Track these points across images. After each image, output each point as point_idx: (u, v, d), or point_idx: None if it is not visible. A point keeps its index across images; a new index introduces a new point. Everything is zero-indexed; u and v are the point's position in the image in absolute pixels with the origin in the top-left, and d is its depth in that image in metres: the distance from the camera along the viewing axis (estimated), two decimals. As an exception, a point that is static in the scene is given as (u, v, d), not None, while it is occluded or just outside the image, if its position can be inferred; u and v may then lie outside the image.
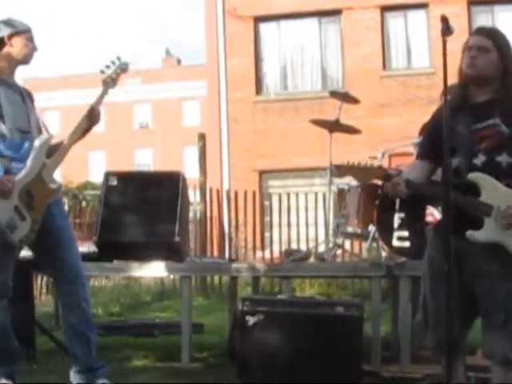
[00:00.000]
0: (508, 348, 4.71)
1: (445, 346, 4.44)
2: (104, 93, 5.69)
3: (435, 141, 4.59)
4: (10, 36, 5.49)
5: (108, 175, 8.03)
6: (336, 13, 23.44)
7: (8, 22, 5.53)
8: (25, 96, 5.63)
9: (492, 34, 4.86)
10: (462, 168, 4.64)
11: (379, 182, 5.62)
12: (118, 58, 5.83)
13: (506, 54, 4.75)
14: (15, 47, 5.53)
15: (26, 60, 5.60)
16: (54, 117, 54.38)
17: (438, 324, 4.60)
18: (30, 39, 5.58)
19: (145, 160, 62.31)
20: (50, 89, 57.18)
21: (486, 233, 4.62)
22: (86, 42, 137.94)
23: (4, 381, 5.47)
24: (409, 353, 6.97)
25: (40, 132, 5.70)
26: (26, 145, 5.44)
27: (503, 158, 4.60)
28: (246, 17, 23.63)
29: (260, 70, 24.00)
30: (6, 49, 5.52)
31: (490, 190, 4.63)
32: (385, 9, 23.13)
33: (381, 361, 7.06)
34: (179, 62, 69.48)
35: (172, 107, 63.41)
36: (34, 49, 5.62)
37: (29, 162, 5.37)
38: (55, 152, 5.54)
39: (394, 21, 23.29)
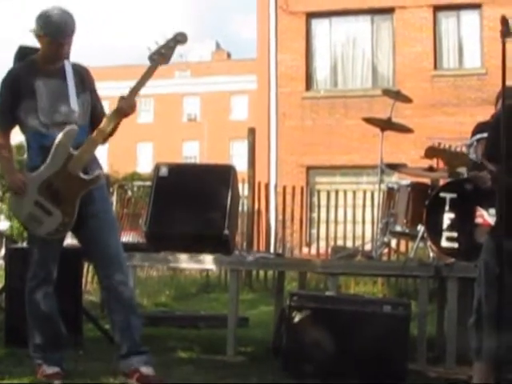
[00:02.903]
0: None
1: (495, 352, 4.45)
2: (147, 73, 5.58)
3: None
4: (37, 35, 5.51)
5: (159, 166, 8.03)
6: (389, 11, 23.38)
7: (39, 19, 5.46)
8: (69, 78, 5.56)
9: None
10: None
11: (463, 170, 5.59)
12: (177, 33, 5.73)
13: None
14: (42, 46, 5.57)
15: (50, 60, 5.57)
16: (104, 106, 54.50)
17: (492, 330, 4.59)
18: (53, 43, 5.46)
19: (192, 152, 62.50)
20: (101, 79, 57.42)
21: None
22: (135, 34, 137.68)
23: (52, 368, 5.53)
24: (454, 354, 6.93)
25: (97, 112, 5.73)
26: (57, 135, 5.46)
27: None
28: (298, 12, 23.63)
29: (310, 65, 23.98)
30: (40, 42, 5.57)
31: None
32: (438, 8, 23.02)
33: (426, 361, 7.03)
34: (229, 55, 69.49)
35: (220, 101, 63.48)
36: (57, 53, 5.53)
37: (49, 158, 5.41)
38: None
39: (447, 20, 23.17)
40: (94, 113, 5.70)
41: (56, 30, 5.41)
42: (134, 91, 5.53)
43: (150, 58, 5.63)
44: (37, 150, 5.53)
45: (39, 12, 5.49)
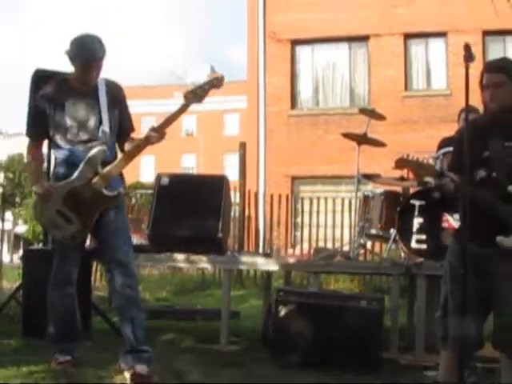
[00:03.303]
0: (508, 346, 4.72)
1: (459, 341, 4.47)
2: (181, 109, 5.48)
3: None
4: (70, 58, 5.43)
5: (160, 176, 8.10)
6: (364, 39, 23.41)
7: (73, 44, 5.39)
8: (101, 97, 5.47)
9: (502, 67, 4.85)
10: (501, 179, 4.67)
11: (430, 179, 5.61)
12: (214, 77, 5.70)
13: None
14: (74, 68, 5.47)
15: (81, 81, 5.48)
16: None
17: (456, 323, 4.62)
18: (83, 66, 5.38)
19: (189, 164, 62.65)
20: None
21: None
22: (141, 58, 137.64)
23: (64, 357, 5.52)
24: (423, 343, 6.96)
25: (126, 128, 5.68)
26: (83, 152, 5.40)
27: None
28: (284, 40, 23.66)
29: (295, 87, 24.00)
30: (73, 65, 5.48)
31: None
32: (408, 36, 23.07)
33: (398, 349, 7.07)
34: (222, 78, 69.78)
35: (214, 118, 63.63)
36: (87, 75, 5.43)
37: (76, 172, 5.37)
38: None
39: (416, 47, 23.23)
40: (121, 128, 5.63)
41: (86, 55, 5.35)
42: (166, 123, 5.47)
43: (185, 96, 5.57)
44: (62, 164, 5.48)
45: (74, 37, 5.42)
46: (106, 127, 5.46)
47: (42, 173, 5.59)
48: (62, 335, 5.59)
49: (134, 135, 5.74)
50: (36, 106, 5.59)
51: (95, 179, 5.38)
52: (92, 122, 5.46)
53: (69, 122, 5.42)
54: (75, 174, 5.38)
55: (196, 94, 5.56)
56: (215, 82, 5.63)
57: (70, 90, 5.48)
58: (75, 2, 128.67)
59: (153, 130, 5.44)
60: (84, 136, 5.44)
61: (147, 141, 5.46)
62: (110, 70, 6.18)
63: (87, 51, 5.36)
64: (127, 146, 5.60)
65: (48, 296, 5.65)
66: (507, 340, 4.79)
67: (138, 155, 5.64)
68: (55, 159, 5.58)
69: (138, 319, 5.44)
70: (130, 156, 5.55)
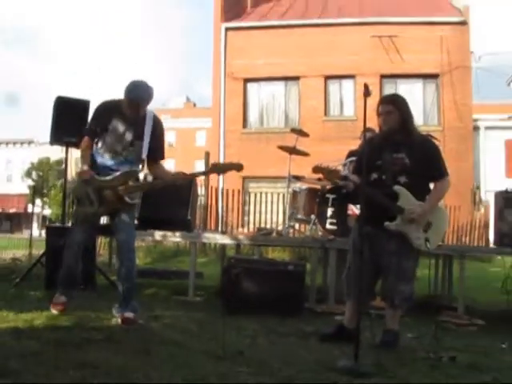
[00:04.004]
0: (394, 295, 4.87)
1: (359, 295, 4.56)
2: (206, 173, 5.53)
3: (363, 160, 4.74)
4: (124, 96, 5.27)
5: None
6: (296, 78, 23.56)
7: (127, 86, 5.22)
8: (146, 127, 5.34)
9: (393, 100, 5.06)
10: (388, 181, 4.84)
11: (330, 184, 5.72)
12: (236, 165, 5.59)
13: (405, 113, 4.90)
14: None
15: (129, 112, 5.31)
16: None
17: (356, 282, 4.71)
18: (131, 105, 5.22)
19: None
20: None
21: (396, 225, 4.75)
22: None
23: (61, 298, 5.42)
24: (333, 297, 7.02)
25: (156, 155, 5.51)
26: (113, 162, 5.34)
27: (403, 179, 4.81)
28: (239, 78, 23.69)
29: (246, 112, 24.05)
30: None
31: (404, 198, 4.76)
32: (327, 77, 23.32)
33: (315, 301, 7.12)
34: (195, 105, 69.33)
35: (189, 134, 63.31)
36: (134, 111, 5.25)
37: (113, 175, 5.30)
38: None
39: (333, 85, 23.46)
40: (154, 155, 5.49)
41: (135, 97, 5.21)
42: (191, 176, 5.80)
43: (212, 164, 5.60)
44: (97, 165, 5.37)
45: (130, 80, 5.27)
46: (143, 154, 5.37)
47: (89, 161, 5.40)
48: (65, 281, 5.49)
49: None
50: (95, 114, 5.45)
51: (122, 187, 5.30)
52: (125, 142, 5.34)
53: (109, 138, 5.32)
54: (110, 177, 5.30)
55: (219, 168, 5.58)
56: (235, 167, 5.56)
57: (119, 113, 5.32)
58: (76, 31, 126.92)
59: (181, 175, 5.53)
60: (114, 150, 5.34)
61: (172, 181, 5.56)
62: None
63: (136, 95, 5.22)
64: (155, 170, 5.59)
65: (63, 253, 5.56)
66: (388, 294, 4.92)
67: (160, 187, 5.73)
68: (92, 157, 5.40)
69: (130, 288, 5.39)
70: (153, 186, 5.72)
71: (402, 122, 4.87)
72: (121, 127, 5.32)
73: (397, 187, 4.82)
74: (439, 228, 5.10)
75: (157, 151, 5.50)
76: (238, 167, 5.55)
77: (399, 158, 4.82)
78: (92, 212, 5.37)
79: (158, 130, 5.48)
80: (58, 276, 5.59)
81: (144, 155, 5.39)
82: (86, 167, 5.32)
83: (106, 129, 5.32)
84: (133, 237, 5.57)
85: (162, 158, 5.61)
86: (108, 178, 5.31)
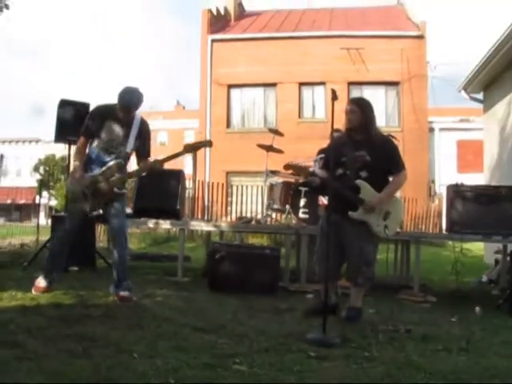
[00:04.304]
0: (357, 276, 4.91)
1: (326, 275, 4.58)
2: (180, 154, 5.38)
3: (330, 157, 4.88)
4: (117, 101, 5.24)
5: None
6: (274, 85, 23.53)
7: (120, 92, 5.19)
8: (134, 128, 5.30)
9: (357, 102, 5.12)
10: (352, 176, 4.88)
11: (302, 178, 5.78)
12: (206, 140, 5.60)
13: (366, 114, 4.91)
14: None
15: (121, 115, 5.27)
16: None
17: (323, 264, 4.75)
18: (122, 110, 5.19)
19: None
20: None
21: (358, 214, 4.78)
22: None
23: (43, 282, 5.36)
24: (305, 277, 7.03)
25: (143, 153, 5.44)
26: (108, 159, 5.32)
27: (364, 173, 4.85)
28: (223, 84, 23.62)
29: (230, 114, 23.98)
30: None
31: (365, 191, 4.80)
32: (301, 84, 23.29)
33: (289, 281, 7.13)
34: (184, 107, 69.05)
35: (179, 133, 63.01)
36: (125, 115, 5.23)
37: (98, 171, 5.29)
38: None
39: (307, 91, 23.43)
40: (140, 153, 5.43)
41: (125, 103, 5.18)
42: (166, 160, 5.41)
43: (184, 145, 5.46)
44: (92, 160, 5.34)
45: (124, 87, 5.22)
46: (128, 149, 5.34)
47: (82, 162, 5.38)
48: (48, 267, 5.43)
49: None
50: (91, 117, 5.39)
51: (112, 179, 5.29)
52: (118, 141, 5.31)
53: (103, 136, 5.28)
54: (99, 172, 5.29)
55: (192, 147, 5.48)
56: (207, 144, 5.54)
57: (112, 115, 5.28)
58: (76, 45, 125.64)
59: (156, 162, 5.38)
60: (111, 150, 5.32)
61: (150, 169, 5.40)
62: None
63: (127, 101, 5.19)
64: (140, 165, 5.47)
65: (53, 240, 5.56)
66: (352, 274, 4.94)
67: (140, 175, 5.63)
68: (88, 155, 5.36)
69: (123, 271, 5.35)
70: (136, 175, 5.56)
71: (364, 122, 4.90)
72: (114, 128, 5.30)
73: (358, 181, 4.86)
74: (396, 216, 5.14)
75: (143, 149, 5.47)
76: (209, 144, 5.55)
77: (360, 156, 4.85)
78: (89, 206, 5.32)
79: (144, 131, 5.44)
80: (46, 261, 5.57)
81: (129, 150, 5.36)
82: (78, 164, 5.31)
83: (100, 129, 5.29)
84: (124, 223, 5.52)
85: (149, 155, 5.55)
86: (97, 172, 5.30)
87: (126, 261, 5.44)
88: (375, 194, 4.88)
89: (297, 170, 5.30)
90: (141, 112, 5.49)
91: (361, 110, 4.94)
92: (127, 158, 5.46)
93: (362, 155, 4.86)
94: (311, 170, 5.23)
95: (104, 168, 5.30)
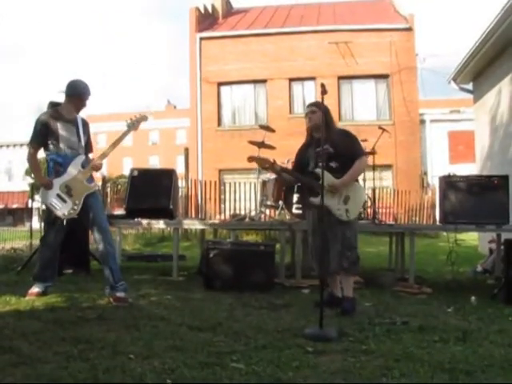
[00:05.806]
0: (342, 260, 5.08)
1: (321, 268, 4.60)
2: (126, 133, 5.50)
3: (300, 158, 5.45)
4: (67, 95, 5.45)
5: (132, 170, 8.05)
6: (264, 81, 23.49)
7: (71, 85, 5.42)
8: (79, 125, 5.48)
9: (316, 104, 5.50)
10: (317, 169, 5.16)
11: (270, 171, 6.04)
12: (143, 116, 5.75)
13: (326, 112, 5.12)
14: (68, 103, 5.47)
15: (69, 112, 5.45)
16: (103, 138, 53.23)
17: (316, 256, 4.78)
18: (79, 101, 5.43)
19: (154, 162, 61.74)
20: (100, 121, 56.30)
21: (319, 199, 4.89)
22: (125, 94, 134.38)
23: (36, 288, 5.39)
24: (300, 272, 7.04)
25: (89, 148, 5.66)
26: (73, 157, 5.39)
27: (333, 164, 5.16)
28: (213, 82, 23.56)
29: (220, 112, 23.91)
30: (66, 100, 5.48)
31: (327, 178, 4.97)
32: (291, 79, 23.24)
33: (284, 277, 7.12)
34: (175, 107, 68.93)
35: (170, 132, 63.02)
36: (79, 108, 5.48)
37: (68, 169, 5.36)
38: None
39: (297, 86, 23.36)
40: (86, 147, 5.57)
41: (83, 93, 5.43)
42: (116, 144, 5.40)
43: (128, 125, 5.56)
44: (53, 164, 5.40)
45: (70, 80, 5.45)
46: (83, 144, 5.49)
47: (40, 170, 5.51)
48: (39, 276, 5.46)
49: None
50: (38, 126, 5.40)
51: (79, 175, 5.35)
52: (74, 139, 5.43)
53: (60, 137, 5.36)
54: (67, 171, 5.36)
55: (134, 125, 5.63)
56: (146, 119, 5.74)
57: (59, 117, 5.41)
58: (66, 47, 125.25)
59: (100, 157, 5.45)
60: (70, 147, 5.39)
61: (104, 155, 5.44)
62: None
63: (84, 91, 5.45)
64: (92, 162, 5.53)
65: (40, 249, 5.65)
66: (337, 260, 5.08)
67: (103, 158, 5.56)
68: (51, 160, 5.41)
69: (114, 265, 5.34)
70: (100, 158, 5.48)
71: (325, 119, 5.00)
72: (68, 127, 5.42)
73: (317, 170, 5.12)
74: (357, 200, 5.33)
75: (89, 145, 5.64)
76: (145, 118, 5.73)
77: (324, 149, 4.92)
78: (69, 209, 5.32)
79: (87, 128, 5.62)
80: (35, 270, 5.57)
81: (83, 145, 5.52)
82: (40, 173, 5.48)
83: (56, 133, 5.37)
84: (105, 218, 5.54)
85: (92, 151, 5.74)
86: (65, 173, 5.35)
87: (116, 259, 5.48)
88: (334, 180, 5.13)
89: (259, 161, 5.59)
90: (137, 112, 5.63)
91: (320, 109, 5.21)
92: (86, 153, 5.58)
93: (326, 148, 5.02)
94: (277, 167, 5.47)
95: (69, 167, 5.36)
